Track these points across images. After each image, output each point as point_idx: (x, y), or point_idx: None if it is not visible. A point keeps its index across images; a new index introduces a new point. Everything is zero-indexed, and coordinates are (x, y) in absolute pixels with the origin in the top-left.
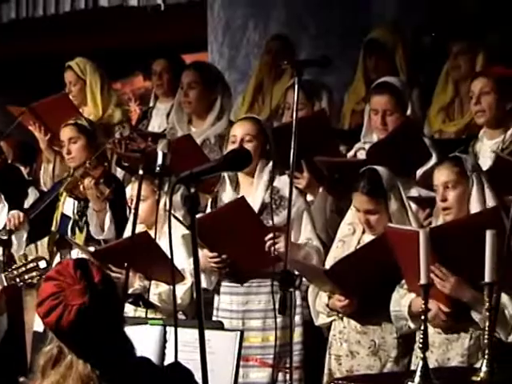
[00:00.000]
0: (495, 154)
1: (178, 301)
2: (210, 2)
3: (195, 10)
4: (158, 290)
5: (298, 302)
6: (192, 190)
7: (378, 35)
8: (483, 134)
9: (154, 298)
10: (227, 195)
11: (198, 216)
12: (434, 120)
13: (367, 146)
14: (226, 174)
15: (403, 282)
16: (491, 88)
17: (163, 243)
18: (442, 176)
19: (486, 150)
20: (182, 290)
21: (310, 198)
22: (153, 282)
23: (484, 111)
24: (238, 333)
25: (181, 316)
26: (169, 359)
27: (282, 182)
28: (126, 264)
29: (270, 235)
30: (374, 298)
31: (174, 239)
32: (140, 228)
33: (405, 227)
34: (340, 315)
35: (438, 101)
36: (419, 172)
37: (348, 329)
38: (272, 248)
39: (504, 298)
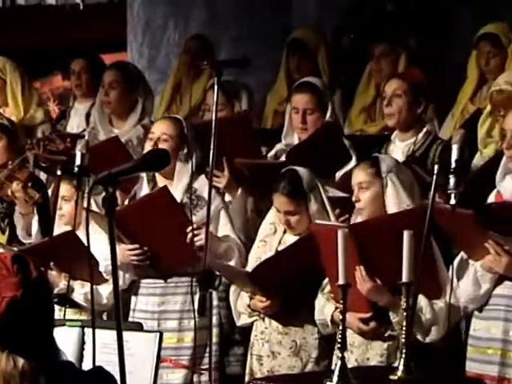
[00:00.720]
0: (405, 159)
1: (104, 301)
2: (130, 2)
3: (114, 9)
4: (83, 290)
5: (215, 302)
6: (110, 191)
7: (301, 35)
8: (395, 135)
9: (79, 298)
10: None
11: (118, 208)
12: (355, 120)
13: (288, 148)
14: (144, 175)
15: (324, 283)
16: (404, 91)
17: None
18: (356, 177)
19: (398, 151)
20: (107, 290)
21: (228, 198)
22: (79, 281)
23: (394, 114)
24: (158, 334)
25: (104, 317)
26: (87, 361)
27: (200, 182)
28: (51, 263)
29: (191, 227)
30: (296, 298)
31: (106, 239)
32: (65, 229)
33: (330, 222)
34: (261, 316)
35: (360, 101)
36: (339, 174)
37: (269, 329)
38: (194, 240)
39: (421, 299)
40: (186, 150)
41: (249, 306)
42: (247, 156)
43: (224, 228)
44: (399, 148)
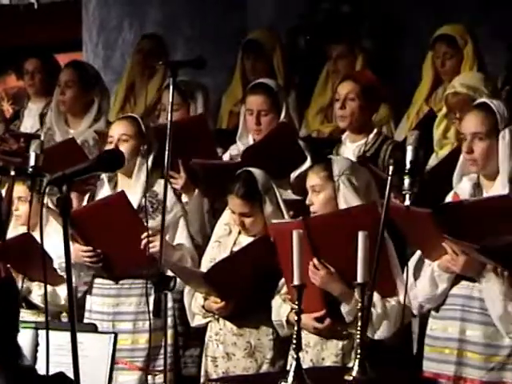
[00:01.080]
0: (357, 159)
1: (61, 302)
2: (85, 2)
3: (69, 9)
4: (41, 291)
5: (170, 304)
6: (64, 191)
7: (257, 36)
8: (346, 137)
9: (37, 300)
10: (104, 194)
11: (74, 209)
12: (312, 121)
13: (242, 149)
14: (104, 174)
15: (281, 284)
16: (356, 94)
17: (47, 243)
18: (309, 180)
19: (349, 152)
20: (65, 291)
21: (185, 199)
22: (37, 282)
23: (347, 116)
24: (112, 335)
25: (64, 318)
26: (41, 363)
27: (161, 186)
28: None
29: (146, 234)
30: (251, 300)
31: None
32: (22, 230)
33: (287, 220)
34: (216, 317)
35: (317, 102)
36: (293, 175)
37: (224, 330)
38: (148, 246)
39: (374, 295)
40: (145, 147)
41: (203, 306)
42: (203, 157)
43: (181, 236)
44: (350, 149)
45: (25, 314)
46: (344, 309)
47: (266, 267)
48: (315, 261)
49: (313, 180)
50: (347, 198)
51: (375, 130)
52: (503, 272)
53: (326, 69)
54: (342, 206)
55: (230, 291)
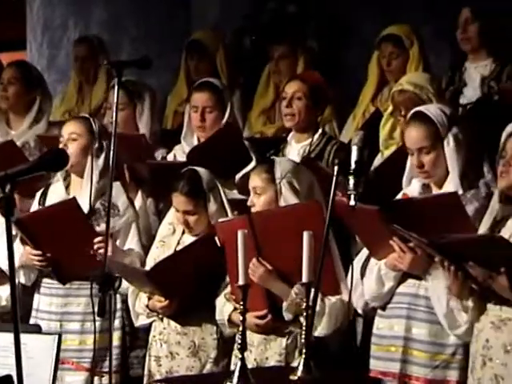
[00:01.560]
0: (301, 159)
1: (3, 303)
2: (29, 1)
3: (13, 8)
4: None
5: (119, 305)
6: (7, 191)
7: (200, 37)
8: (291, 137)
9: None
10: (57, 192)
11: (24, 214)
12: (255, 122)
13: (187, 149)
14: (59, 174)
15: (224, 284)
16: (304, 93)
17: None
18: (252, 181)
19: (294, 152)
20: (6, 291)
21: (137, 203)
22: None
23: (293, 115)
24: (56, 336)
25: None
26: None
27: (115, 190)
28: None
29: (98, 239)
30: (195, 299)
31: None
32: None
33: (232, 217)
34: (160, 316)
35: (260, 104)
36: (238, 176)
37: (168, 330)
38: (98, 252)
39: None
40: (96, 147)
41: (147, 306)
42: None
43: (131, 241)
44: (295, 149)
45: None
46: (284, 306)
47: (210, 266)
48: (254, 259)
49: (254, 182)
50: (289, 201)
51: (320, 131)
52: (450, 267)
53: (267, 69)
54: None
55: (173, 290)
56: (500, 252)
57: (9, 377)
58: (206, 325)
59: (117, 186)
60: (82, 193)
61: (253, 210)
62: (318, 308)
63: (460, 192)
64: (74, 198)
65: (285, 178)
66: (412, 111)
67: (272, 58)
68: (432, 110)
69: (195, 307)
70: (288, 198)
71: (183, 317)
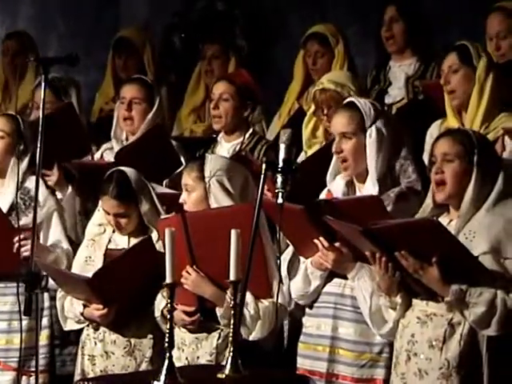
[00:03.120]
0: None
1: None
2: None
3: None
4: None
5: (46, 304)
6: None
7: (128, 34)
8: (222, 137)
9: None
10: None
11: None
12: (185, 120)
13: (115, 146)
14: None
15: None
16: (231, 95)
17: None
18: (183, 179)
19: (224, 152)
20: None
21: (59, 195)
22: None
23: (220, 117)
24: None
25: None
26: None
27: (33, 182)
28: None
29: (18, 237)
30: (133, 306)
31: None
32: None
33: (172, 215)
34: (94, 324)
35: (190, 102)
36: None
37: (103, 328)
38: (20, 250)
39: (248, 297)
40: (22, 147)
41: (82, 314)
42: (77, 148)
43: (55, 232)
44: (225, 149)
45: None
46: (218, 312)
47: (150, 269)
48: (188, 267)
49: (185, 179)
50: (218, 199)
51: (250, 130)
52: (381, 258)
53: (198, 68)
54: (214, 206)
55: (112, 297)
56: (435, 237)
57: None
58: (142, 324)
59: (34, 178)
60: (3, 192)
61: (185, 207)
62: (251, 312)
63: (377, 188)
64: None
65: (214, 176)
66: (346, 100)
67: (204, 57)
68: (362, 101)
69: (133, 314)
70: (218, 197)
71: (120, 327)
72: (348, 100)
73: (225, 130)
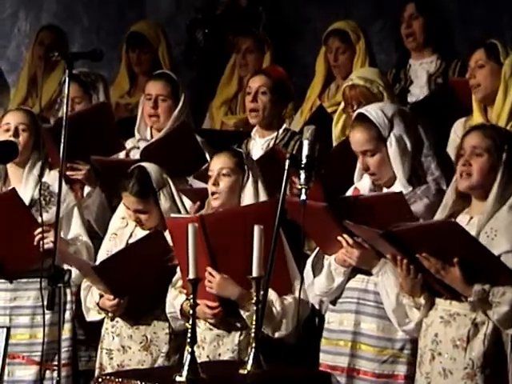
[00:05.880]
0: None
1: None
2: None
3: None
4: None
5: (69, 297)
6: None
7: (140, 29)
8: (255, 132)
9: None
10: None
11: None
12: (216, 112)
13: (141, 145)
14: None
15: (175, 278)
16: (269, 88)
17: None
18: (218, 162)
19: (258, 147)
20: None
21: (87, 189)
22: None
23: (257, 111)
24: (4, 329)
25: None
26: None
27: (52, 178)
28: None
29: (39, 230)
30: (145, 298)
31: None
32: None
33: (183, 215)
34: (110, 315)
35: (223, 94)
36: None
37: (121, 323)
38: (41, 243)
39: (271, 294)
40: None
41: (98, 304)
42: (107, 146)
43: (75, 226)
44: (259, 144)
45: None
46: (244, 314)
47: (160, 262)
48: (210, 269)
49: (223, 162)
50: (256, 188)
51: (284, 126)
52: (402, 261)
53: (232, 61)
54: (248, 194)
55: (122, 288)
56: (455, 239)
57: None
58: (159, 320)
59: (54, 173)
60: (21, 184)
61: (215, 196)
62: (278, 309)
63: (410, 189)
64: (14, 189)
65: (253, 166)
66: (354, 114)
67: (239, 50)
68: (373, 112)
69: (147, 306)
70: (253, 185)
71: (134, 317)
72: (358, 112)
73: (261, 125)
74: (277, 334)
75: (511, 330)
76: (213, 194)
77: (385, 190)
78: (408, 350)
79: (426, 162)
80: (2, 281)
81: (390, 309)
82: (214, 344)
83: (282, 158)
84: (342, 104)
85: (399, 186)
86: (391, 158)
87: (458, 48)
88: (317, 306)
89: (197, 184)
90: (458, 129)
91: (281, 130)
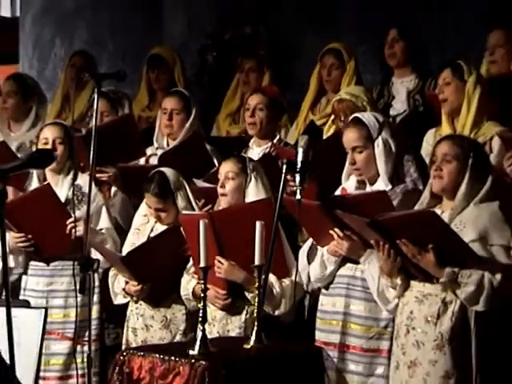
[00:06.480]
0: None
1: None
2: (21, 20)
3: (8, 26)
4: None
5: (97, 283)
6: (1, 185)
7: (159, 51)
8: (253, 142)
9: None
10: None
11: (8, 200)
12: (222, 123)
13: (159, 152)
14: (34, 172)
15: (189, 265)
16: (265, 105)
17: None
18: (226, 167)
19: (255, 155)
20: None
21: (113, 189)
22: None
23: (255, 124)
24: (43, 310)
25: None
26: None
27: (84, 180)
28: None
29: (71, 219)
30: (166, 283)
31: None
32: None
33: (194, 212)
34: (134, 299)
35: (227, 108)
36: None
37: (144, 305)
38: (72, 231)
39: (271, 277)
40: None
41: (124, 289)
42: (131, 153)
43: (103, 220)
44: (256, 152)
45: None
46: (249, 295)
47: (176, 252)
48: (218, 257)
49: (229, 167)
50: (256, 189)
51: (278, 136)
52: (384, 245)
53: (236, 79)
54: (250, 194)
55: (145, 275)
56: (431, 226)
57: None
58: (177, 302)
59: (85, 176)
60: (58, 187)
61: (223, 197)
62: (277, 290)
63: (389, 187)
64: (49, 184)
65: (255, 171)
66: (351, 117)
67: (242, 70)
68: (366, 116)
69: (166, 290)
70: (255, 187)
71: (155, 300)
72: (354, 116)
73: (257, 136)
74: (277, 312)
75: (476, 307)
76: (221, 194)
77: (368, 188)
78: (391, 328)
79: (407, 166)
80: (40, 268)
81: (375, 292)
82: (223, 322)
83: (281, 154)
84: (333, 116)
85: (381, 183)
86: (377, 157)
87: (433, 68)
88: (308, 289)
89: (200, 184)
90: (429, 138)
91: (275, 140)
